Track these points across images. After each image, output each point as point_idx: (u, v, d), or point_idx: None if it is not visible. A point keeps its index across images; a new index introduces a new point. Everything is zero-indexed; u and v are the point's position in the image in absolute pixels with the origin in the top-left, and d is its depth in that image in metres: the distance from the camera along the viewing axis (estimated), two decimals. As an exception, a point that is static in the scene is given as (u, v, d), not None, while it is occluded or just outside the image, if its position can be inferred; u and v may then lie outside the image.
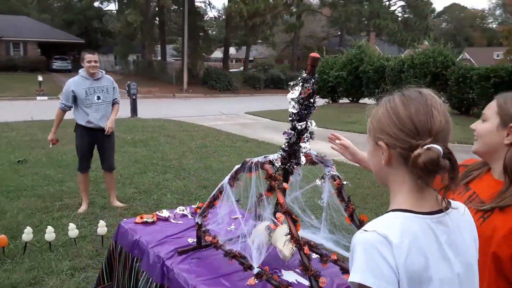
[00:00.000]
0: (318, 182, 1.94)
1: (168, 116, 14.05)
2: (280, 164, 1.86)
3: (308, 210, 2.07)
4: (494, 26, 66.48)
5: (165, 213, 2.70)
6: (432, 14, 43.56)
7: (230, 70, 35.02)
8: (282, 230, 1.82)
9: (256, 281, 1.75)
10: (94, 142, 4.84)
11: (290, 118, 1.92)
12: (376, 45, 34.40)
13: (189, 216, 2.74)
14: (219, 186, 2.05)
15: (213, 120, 13.93)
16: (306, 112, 1.88)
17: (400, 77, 15.75)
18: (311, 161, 1.96)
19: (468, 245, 1.04)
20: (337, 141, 1.83)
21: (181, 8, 29.40)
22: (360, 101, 19.01)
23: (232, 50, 41.01)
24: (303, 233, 1.94)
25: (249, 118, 15.16)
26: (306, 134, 1.88)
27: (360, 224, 1.77)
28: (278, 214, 1.65)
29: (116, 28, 32.58)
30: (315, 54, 1.89)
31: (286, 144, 1.91)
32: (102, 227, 3.76)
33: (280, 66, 41.34)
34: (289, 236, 1.78)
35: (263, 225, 1.95)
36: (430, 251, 0.94)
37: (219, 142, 9.47)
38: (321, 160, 1.94)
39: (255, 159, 1.86)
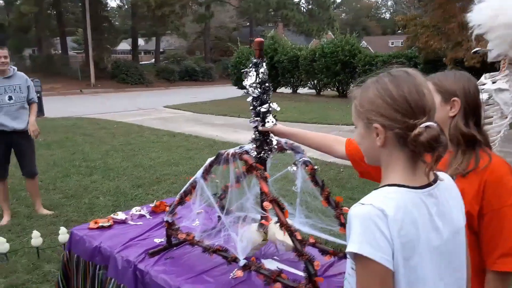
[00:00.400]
0: (291, 169, 1.97)
1: (79, 114, 13.14)
2: (256, 153, 1.86)
3: (281, 197, 2.11)
4: (387, 16, 72.61)
5: (120, 215, 2.55)
6: (333, 6, 46.05)
7: (141, 63, 33.63)
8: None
9: (243, 273, 1.74)
10: (9, 146, 4.38)
11: (252, 106, 1.91)
12: (285, 36, 35.53)
13: (148, 216, 2.63)
14: (190, 181, 1.99)
15: (131, 115, 13.32)
16: (265, 95, 1.88)
17: (312, 66, 16.54)
18: (281, 148, 1.98)
19: (455, 212, 1.14)
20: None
21: (81, -3, 27.37)
22: (277, 90, 19.55)
23: (140, 42, 39.32)
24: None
25: (169, 112, 14.76)
26: (269, 116, 1.88)
27: (336, 206, 1.85)
28: (266, 204, 1.66)
29: (6, 20, 29.32)
30: (259, 39, 1.90)
31: (256, 132, 1.90)
32: (36, 238, 3.43)
33: (193, 57, 40.72)
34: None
35: (254, 227, 1.94)
36: (422, 222, 1.02)
37: (143, 138, 9.11)
38: (291, 147, 1.98)
39: (230, 150, 1.85)
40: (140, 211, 2.64)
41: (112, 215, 2.55)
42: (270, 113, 1.87)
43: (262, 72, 1.83)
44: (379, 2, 76.86)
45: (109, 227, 2.45)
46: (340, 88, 16.39)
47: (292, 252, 1.88)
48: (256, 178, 1.73)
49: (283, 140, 2.00)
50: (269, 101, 1.87)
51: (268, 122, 1.84)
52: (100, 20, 29.11)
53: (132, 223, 2.51)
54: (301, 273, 1.69)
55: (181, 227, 2.11)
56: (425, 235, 1.02)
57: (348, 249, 0.99)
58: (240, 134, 9.78)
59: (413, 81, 1.04)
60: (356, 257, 0.98)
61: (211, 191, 1.93)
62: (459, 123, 1.42)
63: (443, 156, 1.03)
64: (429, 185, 1.07)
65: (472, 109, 1.42)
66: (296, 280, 1.62)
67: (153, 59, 38.34)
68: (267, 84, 1.87)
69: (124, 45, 42.75)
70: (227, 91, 21.28)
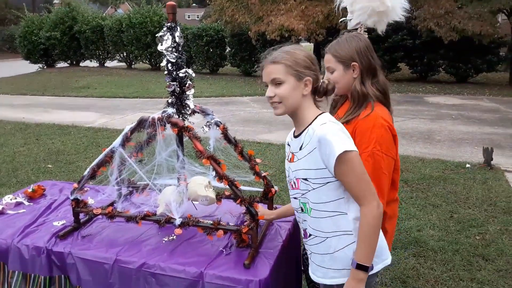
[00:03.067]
0: (203, 129, 2.08)
1: None
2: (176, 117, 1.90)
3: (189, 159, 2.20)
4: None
5: (-8, 206, 2.18)
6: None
7: None
8: (196, 181, 1.93)
9: (182, 230, 1.82)
10: None
11: (168, 70, 1.93)
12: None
13: (26, 203, 2.31)
14: (106, 151, 1.89)
15: None
16: (182, 60, 1.93)
17: (120, 37, 15.72)
18: (193, 111, 2.07)
19: None
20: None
21: None
22: (81, 64, 17.86)
23: None
24: (194, 179, 2.08)
25: None
26: (187, 81, 1.94)
27: (250, 159, 2.08)
28: (204, 161, 1.76)
29: None
30: (171, 2, 1.94)
31: (173, 97, 1.94)
32: None
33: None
34: (206, 182, 1.92)
35: (168, 190, 1.96)
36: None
37: None
38: (201, 109, 2.08)
39: (155, 115, 1.84)
40: (15, 199, 2.29)
41: (-19, 208, 2.16)
42: (187, 78, 1.92)
43: (177, 36, 1.86)
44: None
45: (-16, 221, 2.07)
46: (153, 60, 16.12)
47: (212, 205, 2.05)
48: (189, 138, 1.79)
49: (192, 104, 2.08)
50: (185, 66, 1.91)
51: (203, 128, 1.94)
52: None
53: (12, 212, 2.18)
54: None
55: (92, 204, 1.99)
56: None
57: (337, 152, 1.32)
58: (52, 114, 8.77)
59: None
60: (343, 156, 1.32)
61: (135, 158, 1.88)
62: (356, 84, 1.76)
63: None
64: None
65: (367, 67, 1.77)
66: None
67: None
68: (180, 49, 1.91)
69: None
70: (13, 67, 18.34)
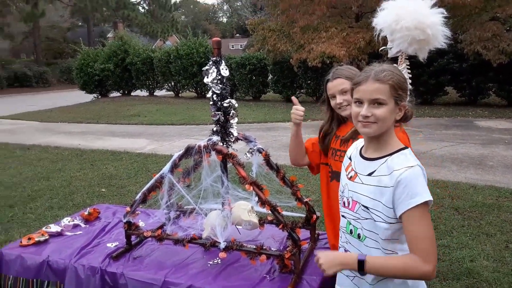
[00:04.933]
0: (245, 156, 2.17)
1: None
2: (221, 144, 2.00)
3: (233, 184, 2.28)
4: (224, 20, 76.13)
5: (53, 227, 2.36)
6: (174, 7, 46.22)
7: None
8: (240, 206, 2.00)
9: (226, 254, 1.88)
10: None
11: (213, 100, 2.03)
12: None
13: (83, 225, 2.47)
14: (156, 177, 2.02)
15: (-41, 130, 11.23)
16: (226, 91, 2.03)
17: (169, 68, 16.46)
18: (236, 139, 2.16)
19: None
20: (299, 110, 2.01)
21: None
22: (132, 93, 18.81)
23: None
24: (238, 204, 2.15)
25: (8, 123, 12.86)
26: (231, 111, 2.04)
27: (292, 185, 2.12)
28: (247, 186, 1.83)
29: None
30: (216, 38, 2.06)
31: (218, 125, 2.04)
32: None
33: (20, 60, 35.85)
34: (249, 207, 1.99)
35: (213, 214, 2.05)
36: None
37: (-10, 155, 7.87)
38: (244, 137, 2.17)
39: (201, 143, 1.95)
40: (73, 221, 2.47)
41: (43, 229, 2.34)
42: (231, 108, 2.02)
43: (222, 69, 1.98)
44: (216, 6, 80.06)
45: (46, 241, 2.25)
46: (198, 89, 16.73)
47: (256, 230, 2.10)
48: (233, 165, 1.88)
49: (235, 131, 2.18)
50: (229, 97, 2.02)
51: (246, 155, 2.04)
52: None
53: (70, 233, 2.35)
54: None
55: (142, 227, 2.11)
56: None
57: (419, 201, 1.28)
58: (106, 141, 9.26)
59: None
60: (421, 205, 1.28)
61: (183, 183, 1.99)
62: None
63: None
64: None
65: None
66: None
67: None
68: (225, 81, 2.02)
69: None
70: (70, 97, 19.63)
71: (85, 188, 5.70)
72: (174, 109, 14.13)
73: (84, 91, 18.32)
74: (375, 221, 1.37)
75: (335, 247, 1.99)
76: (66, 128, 11.42)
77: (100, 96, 18.54)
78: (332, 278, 1.92)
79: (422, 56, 2.33)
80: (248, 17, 22.27)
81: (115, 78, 17.84)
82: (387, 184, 1.34)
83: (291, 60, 12.83)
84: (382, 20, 2.31)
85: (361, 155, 1.47)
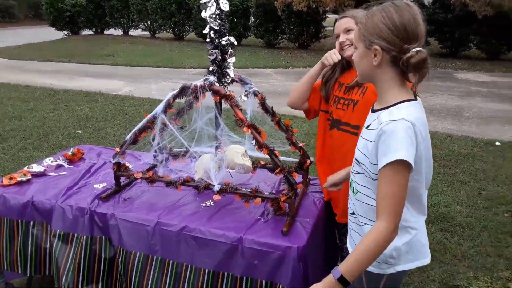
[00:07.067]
0: (241, 98, 2.08)
1: None
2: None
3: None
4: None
5: (36, 167, 2.26)
6: None
7: None
8: (233, 149, 1.95)
9: (220, 197, 1.85)
10: None
11: (210, 38, 1.91)
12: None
13: (66, 166, 2.39)
14: (148, 117, 1.93)
15: None
16: (224, 27, 1.90)
17: (145, 5, 15.62)
18: (232, 80, 2.07)
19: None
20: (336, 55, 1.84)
21: None
22: (106, 32, 17.88)
23: None
24: (231, 147, 2.11)
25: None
26: (229, 49, 1.93)
27: (286, 129, 2.08)
28: (245, 129, 1.77)
29: None
30: None
31: (214, 65, 1.94)
32: None
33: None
34: (243, 150, 1.95)
35: (206, 157, 1.99)
36: (426, 129, 1.29)
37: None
38: (240, 78, 2.08)
39: (197, 83, 1.85)
40: (56, 161, 2.37)
41: (25, 168, 2.24)
42: (229, 46, 1.90)
43: (222, 2, 1.84)
44: None
45: (28, 181, 2.16)
46: (176, 30, 16.01)
47: (248, 174, 2.07)
48: (230, 106, 1.80)
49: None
50: (227, 34, 1.90)
51: (241, 97, 1.91)
52: None
53: (53, 174, 2.27)
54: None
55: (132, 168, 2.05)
56: (427, 140, 1.30)
57: (391, 158, 1.16)
58: (79, 81, 8.88)
59: (413, 12, 1.25)
60: (394, 164, 1.16)
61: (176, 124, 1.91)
62: None
63: (426, 75, 1.25)
64: (415, 98, 1.31)
65: None
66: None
67: None
68: (224, 16, 1.89)
69: None
70: (39, 34, 18.49)
71: (60, 129, 5.52)
72: (150, 50, 13.59)
73: (54, 28, 17.28)
74: (365, 176, 1.32)
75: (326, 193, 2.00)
76: (36, 66, 10.87)
77: (71, 34, 17.57)
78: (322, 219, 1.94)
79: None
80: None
81: (87, 15, 16.84)
82: (371, 138, 1.25)
83: (275, 2, 12.37)
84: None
85: (372, 106, 1.38)
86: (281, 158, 2.14)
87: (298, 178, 2.13)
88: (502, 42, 11.65)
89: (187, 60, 11.52)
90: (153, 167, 2.18)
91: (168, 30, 16.35)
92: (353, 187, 1.39)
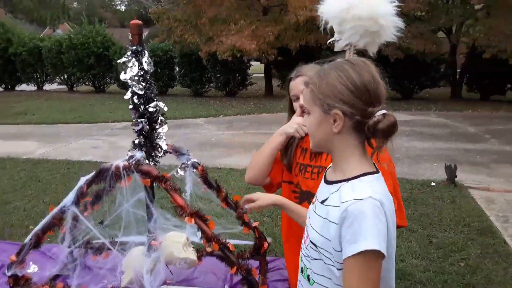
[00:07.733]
0: (176, 173, 1.72)
1: None
2: (147, 162, 1.52)
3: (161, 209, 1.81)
4: (123, 8, 71.93)
5: None
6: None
7: None
8: (172, 238, 1.54)
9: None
10: None
11: (133, 104, 1.55)
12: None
13: None
14: (54, 211, 1.46)
15: None
16: (151, 91, 1.56)
17: (61, 58, 14.79)
18: (164, 152, 1.70)
19: None
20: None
21: None
22: (17, 88, 16.54)
23: None
24: (170, 236, 1.71)
25: None
26: (159, 117, 1.58)
27: (236, 206, 1.73)
28: (187, 219, 1.38)
29: None
30: (136, 21, 1.59)
31: (141, 137, 1.56)
32: None
33: None
34: (184, 239, 1.55)
35: (135, 252, 1.56)
36: (392, 205, 1.08)
37: None
38: (174, 149, 1.72)
39: (118, 163, 1.45)
40: None
41: None
42: (159, 114, 1.55)
43: (145, 62, 1.49)
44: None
45: None
46: (96, 82, 15.25)
47: (190, 269, 1.67)
48: (166, 191, 1.42)
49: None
50: (155, 98, 1.55)
51: (177, 172, 1.54)
52: None
53: None
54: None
55: (37, 279, 1.53)
56: (394, 212, 1.08)
57: (359, 249, 0.95)
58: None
59: (370, 70, 1.06)
60: (362, 254, 0.95)
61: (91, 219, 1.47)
62: None
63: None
64: (377, 171, 1.10)
65: None
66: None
67: None
68: (148, 78, 1.54)
69: None
70: None
71: (-43, 206, 4.62)
72: (68, 105, 12.69)
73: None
74: (325, 263, 1.05)
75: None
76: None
77: (-24, 91, 16.01)
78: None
79: (372, 50, 2.08)
80: (150, 6, 21.03)
81: (-5, 71, 15.54)
82: (334, 219, 1.02)
83: (199, 52, 12.33)
84: (329, 8, 2.00)
85: (325, 179, 1.15)
86: (233, 241, 1.77)
87: (255, 263, 1.77)
88: (413, 83, 12.63)
89: (110, 114, 10.85)
90: (64, 270, 1.68)
91: (87, 83, 15.56)
92: (308, 275, 1.11)
